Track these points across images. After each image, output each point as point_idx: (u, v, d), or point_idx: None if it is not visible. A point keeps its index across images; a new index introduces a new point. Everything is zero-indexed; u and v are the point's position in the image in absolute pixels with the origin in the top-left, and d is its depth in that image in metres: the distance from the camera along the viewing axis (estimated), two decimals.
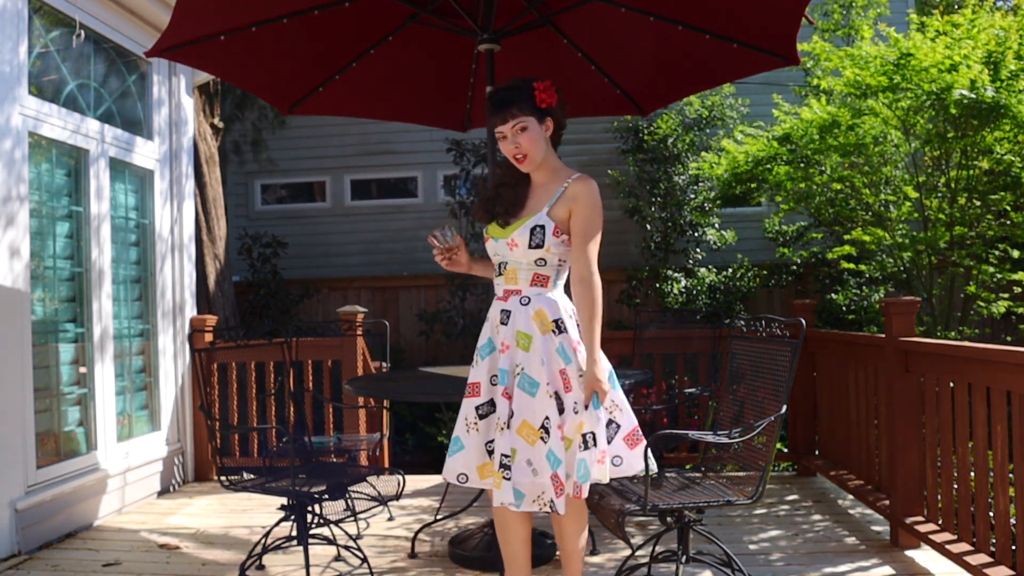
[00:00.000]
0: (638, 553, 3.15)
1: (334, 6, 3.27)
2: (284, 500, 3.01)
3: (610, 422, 2.41)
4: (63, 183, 3.97)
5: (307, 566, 2.95)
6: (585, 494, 2.31)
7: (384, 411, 4.56)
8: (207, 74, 5.04)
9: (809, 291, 8.06)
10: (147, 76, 4.68)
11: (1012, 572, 2.65)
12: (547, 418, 2.30)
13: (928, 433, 3.27)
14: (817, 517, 3.87)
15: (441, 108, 4.26)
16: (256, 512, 4.18)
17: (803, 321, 2.82)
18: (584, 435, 2.30)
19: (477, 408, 2.44)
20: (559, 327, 2.38)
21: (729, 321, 5.64)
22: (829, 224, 6.24)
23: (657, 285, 7.94)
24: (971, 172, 5.12)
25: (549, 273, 2.42)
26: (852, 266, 5.97)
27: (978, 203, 5.16)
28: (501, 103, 2.40)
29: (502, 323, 2.44)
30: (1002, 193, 5.09)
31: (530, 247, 2.38)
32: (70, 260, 3.99)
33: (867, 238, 5.42)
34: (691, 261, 8.17)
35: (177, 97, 4.90)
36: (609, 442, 2.38)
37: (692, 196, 8.06)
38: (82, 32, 3.95)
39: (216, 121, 7.02)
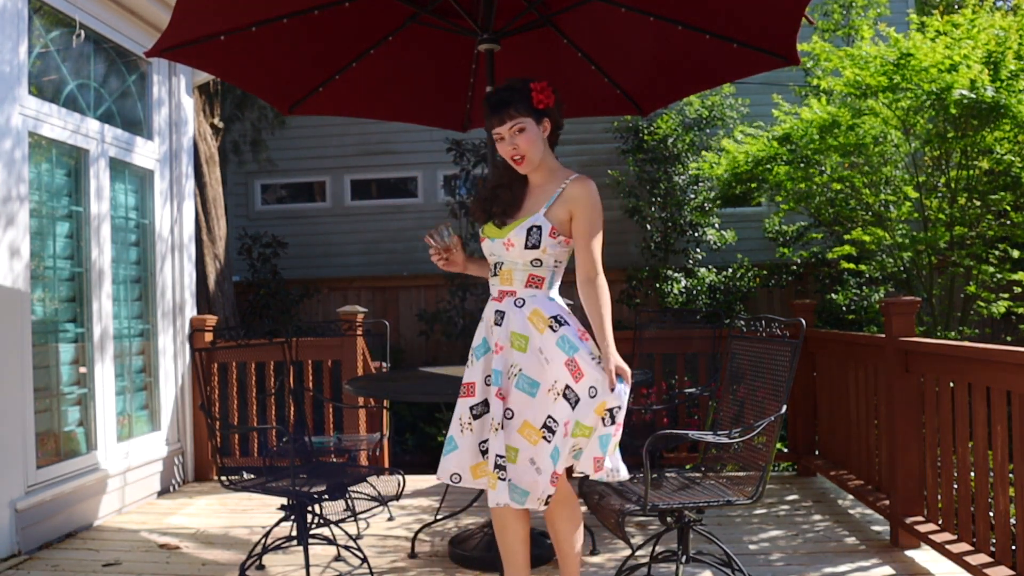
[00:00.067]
0: (638, 553, 3.15)
1: (334, 6, 3.27)
2: (284, 500, 3.01)
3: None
4: (63, 183, 3.97)
5: (307, 566, 2.95)
6: (606, 466, 2.29)
7: (384, 411, 4.56)
8: (207, 74, 5.04)
9: (809, 291, 8.06)
10: (147, 76, 4.68)
11: (1012, 572, 2.65)
12: (550, 417, 2.30)
13: (928, 433, 3.27)
14: (817, 517, 3.87)
15: (441, 108, 4.26)
16: (256, 512, 4.18)
17: (803, 321, 2.82)
18: (609, 410, 2.28)
19: (471, 408, 2.44)
20: (558, 321, 2.37)
21: (729, 321, 5.64)
22: (829, 224, 6.24)
23: (657, 285, 7.94)
24: (971, 172, 5.12)
25: (544, 274, 2.42)
26: (852, 266, 5.97)
27: (978, 203, 5.16)
28: (498, 105, 2.40)
29: (495, 324, 2.44)
30: (1002, 193, 5.09)
31: (526, 247, 2.38)
32: (70, 260, 3.99)
33: (867, 238, 5.42)
34: (691, 261, 8.17)
35: (177, 97, 4.90)
36: None
37: (692, 196, 8.06)
38: (82, 32, 3.95)
39: (216, 121, 7.02)
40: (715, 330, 4.39)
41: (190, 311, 4.97)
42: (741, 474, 3.10)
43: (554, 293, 2.46)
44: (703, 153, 7.40)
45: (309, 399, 5.02)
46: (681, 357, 5.10)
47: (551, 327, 2.37)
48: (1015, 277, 5.07)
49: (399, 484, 3.16)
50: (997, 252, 5.40)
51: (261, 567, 3.28)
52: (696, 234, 8.08)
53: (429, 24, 3.56)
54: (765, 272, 8.08)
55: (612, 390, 2.28)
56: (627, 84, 3.98)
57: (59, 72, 3.94)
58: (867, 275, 6.38)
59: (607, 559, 3.33)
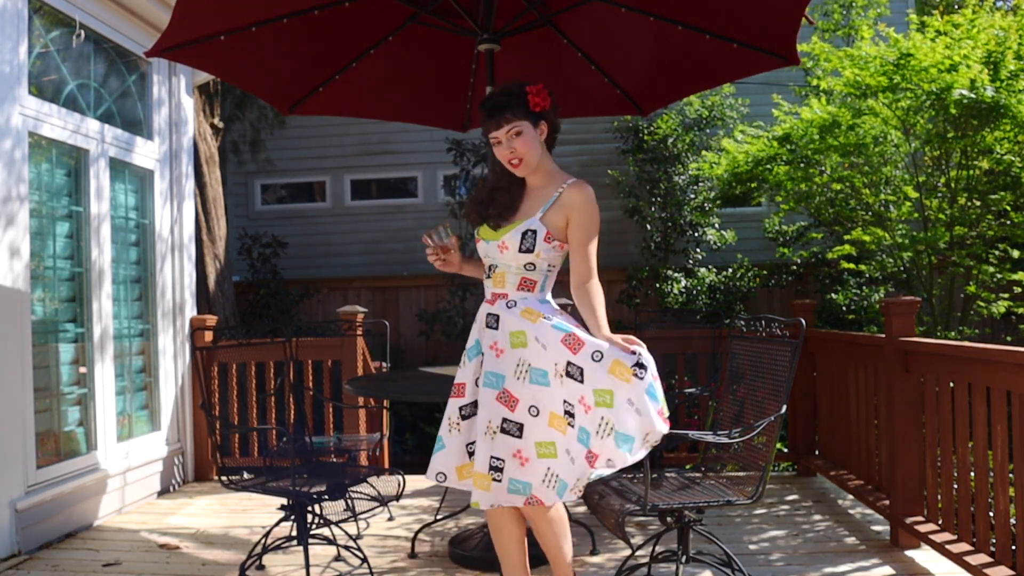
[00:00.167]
0: (638, 553, 3.15)
1: (334, 6, 3.27)
2: (284, 500, 3.01)
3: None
4: (63, 183, 3.97)
5: (307, 566, 2.95)
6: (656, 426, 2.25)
7: (384, 411, 4.56)
8: (207, 74, 5.04)
9: (809, 291, 8.07)
10: (147, 76, 4.68)
11: (1012, 572, 2.65)
12: (565, 402, 2.29)
13: (928, 433, 3.27)
14: (817, 517, 3.87)
15: (441, 108, 4.26)
16: (256, 512, 4.18)
17: (803, 321, 2.82)
18: (632, 366, 2.25)
19: (460, 409, 2.45)
20: (548, 316, 2.39)
21: (729, 321, 5.64)
22: (829, 224, 6.24)
23: (657, 285, 7.94)
24: (971, 172, 5.12)
25: (537, 278, 2.43)
26: (852, 266, 5.97)
27: (978, 203, 5.16)
28: (494, 109, 2.40)
29: (488, 326, 2.44)
30: (1002, 193, 5.09)
31: (520, 251, 2.38)
32: (70, 260, 3.99)
33: (867, 238, 5.42)
34: (691, 261, 8.17)
35: (177, 97, 4.90)
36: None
37: (692, 196, 8.06)
38: (82, 32, 3.95)
39: (216, 121, 7.02)
40: (715, 330, 4.39)
41: (190, 311, 4.96)
42: (741, 474, 3.10)
43: (546, 295, 2.47)
44: (703, 153, 7.40)
45: (309, 399, 5.02)
46: (681, 357, 5.10)
47: (544, 317, 2.38)
48: (1015, 277, 5.07)
49: (399, 484, 3.16)
50: (997, 252, 5.39)
51: (261, 567, 3.28)
52: (696, 234, 8.09)
53: (429, 24, 3.56)
54: (765, 272, 8.08)
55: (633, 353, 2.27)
56: (627, 84, 3.98)
57: (59, 72, 3.94)
58: (867, 275, 6.39)
59: (607, 559, 3.33)
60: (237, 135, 8.78)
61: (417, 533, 3.62)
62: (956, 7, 9.13)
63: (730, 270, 8.05)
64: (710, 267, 8.12)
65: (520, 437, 2.30)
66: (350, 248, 9.37)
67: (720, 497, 2.60)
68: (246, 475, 3.94)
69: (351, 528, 3.72)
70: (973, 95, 4.53)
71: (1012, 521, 2.71)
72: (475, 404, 2.42)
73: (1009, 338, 6.76)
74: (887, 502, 3.50)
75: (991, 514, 2.83)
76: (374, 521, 3.97)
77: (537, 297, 2.43)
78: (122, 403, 4.33)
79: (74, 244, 4.02)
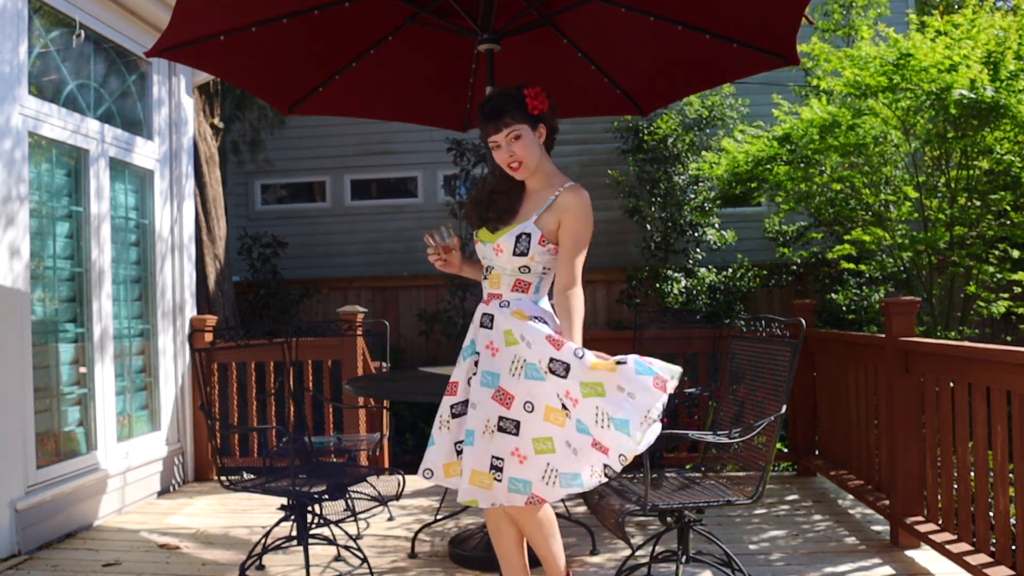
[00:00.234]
0: (638, 553, 3.15)
1: (334, 6, 3.27)
2: (284, 500, 3.01)
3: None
4: (63, 183, 3.97)
5: (307, 566, 2.95)
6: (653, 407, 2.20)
7: (384, 411, 4.56)
8: (207, 74, 5.04)
9: (809, 291, 8.06)
10: (147, 76, 4.68)
11: (1012, 572, 2.65)
12: (557, 396, 2.29)
13: (928, 433, 3.27)
14: (817, 517, 3.87)
15: (441, 108, 4.26)
16: (256, 512, 4.18)
17: (803, 321, 2.82)
18: (617, 362, 2.23)
19: (452, 407, 2.47)
20: (535, 318, 2.39)
21: (729, 321, 5.64)
22: (829, 224, 6.24)
23: (657, 285, 7.94)
24: (971, 172, 5.12)
25: (532, 280, 2.43)
26: (852, 266, 5.97)
27: (978, 203, 5.16)
28: (493, 112, 2.39)
29: (483, 326, 2.45)
30: (1002, 193, 5.09)
31: (514, 254, 2.39)
32: (70, 260, 3.99)
33: (867, 238, 5.42)
34: (691, 261, 8.17)
35: (177, 97, 4.90)
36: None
37: (692, 196, 8.06)
38: (82, 32, 3.95)
39: (216, 121, 7.02)
40: (715, 330, 4.39)
41: (190, 311, 4.96)
42: (741, 474, 3.10)
43: (542, 301, 2.46)
44: (703, 153, 7.40)
45: (309, 399, 5.02)
46: (681, 357, 5.10)
47: (532, 319, 2.38)
48: (1015, 277, 5.07)
49: (399, 484, 3.16)
50: (997, 252, 5.39)
51: (261, 567, 3.28)
52: (696, 234, 8.08)
53: (429, 24, 3.56)
54: (765, 272, 8.08)
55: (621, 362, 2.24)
56: (627, 84, 3.98)
57: (59, 72, 3.94)
58: (867, 275, 6.38)
59: (607, 559, 3.33)
60: (237, 135, 8.78)
61: (417, 533, 3.62)
62: (956, 7, 9.13)
63: (730, 270, 8.04)
64: (710, 267, 8.12)
65: (517, 435, 2.30)
66: (350, 248, 9.37)
67: (720, 497, 2.60)
68: (246, 475, 3.94)
69: (351, 528, 3.72)
70: (973, 95, 4.53)
71: (1012, 521, 2.71)
72: (465, 403, 2.43)
73: (1009, 338, 6.76)
74: (887, 502, 3.51)
75: (991, 514, 2.83)
76: (374, 521, 3.97)
77: (531, 298, 2.44)
78: (122, 403, 4.33)
79: (74, 244, 4.03)
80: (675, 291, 7.75)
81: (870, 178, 5.42)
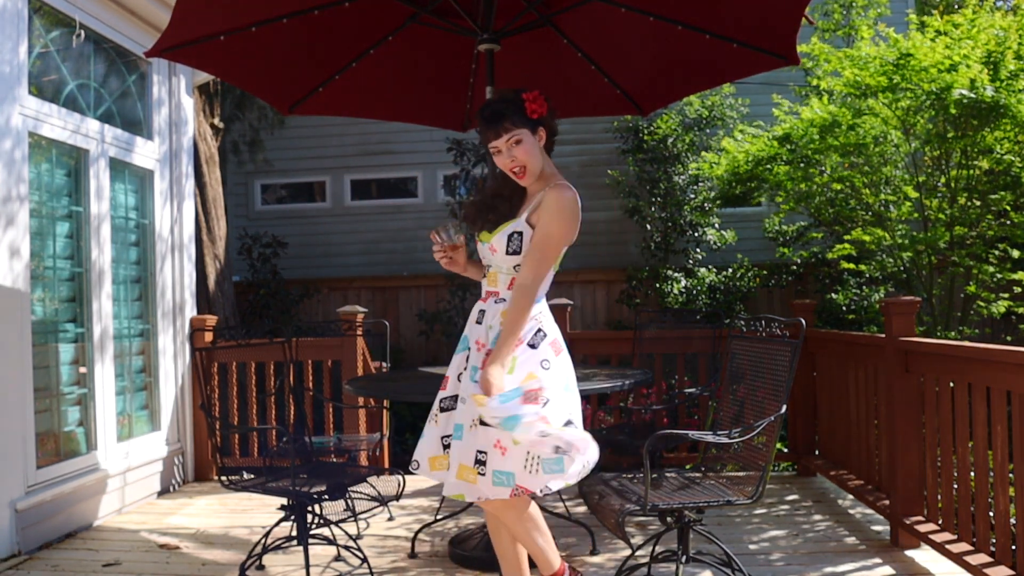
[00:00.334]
0: (638, 553, 3.15)
1: (334, 6, 3.27)
2: (284, 500, 3.01)
3: None
4: (63, 183, 3.97)
5: (307, 566, 2.95)
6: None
7: (384, 411, 4.56)
8: (207, 74, 5.04)
9: (809, 291, 8.06)
10: (147, 76, 4.68)
11: (1012, 572, 2.65)
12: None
13: (928, 433, 3.27)
14: (817, 517, 3.87)
15: (441, 108, 4.26)
16: (256, 512, 4.18)
17: (803, 321, 2.82)
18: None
19: (441, 401, 2.48)
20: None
21: (729, 321, 5.64)
22: (829, 224, 6.24)
23: (657, 285, 7.94)
24: (971, 172, 5.12)
25: None
26: (852, 266, 5.97)
27: (978, 203, 5.16)
28: (493, 118, 2.38)
29: (476, 322, 2.47)
30: (1002, 193, 5.09)
31: (507, 253, 2.39)
32: (70, 260, 3.99)
33: (867, 238, 5.42)
34: (691, 261, 8.17)
35: (177, 97, 4.90)
36: None
37: (692, 196, 8.06)
38: (82, 32, 3.95)
39: (216, 121, 7.02)
40: (715, 330, 4.38)
41: (190, 311, 4.96)
42: (741, 474, 3.10)
43: (538, 298, 2.46)
44: (703, 153, 7.40)
45: (309, 399, 5.02)
46: (681, 357, 5.10)
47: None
48: (1015, 277, 5.07)
49: (399, 484, 3.16)
50: (997, 252, 5.39)
51: (261, 567, 3.28)
52: (696, 234, 8.09)
53: (429, 24, 3.56)
54: (765, 272, 8.08)
55: (485, 393, 2.24)
56: (627, 84, 3.98)
57: (59, 72, 3.94)
58: (867, 275, 6.38)
59: (607, 559, 3.33)
60: (237, 135, 8.78)
61: (417, 533, 3.62)
62: (956, 7, 9.13)
63: (730, 270, 8.05)
64: (710, 267, 8.12)
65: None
66: (350, 248, 9.37)
67: (720, 497, 2.60)
68: (246, 475, 3.94)
69: (351, 528, 3.72)
70: (973, 95, 4.53)
71: (1012, 521, 2.71)
72: (455, 398, 2.45)
73: (1009, 338, 6.76)
74: (887, 502, 3.51)
75: (991, 514, 2.83)
76: (374, 521, 3.97)
77: None
78: (122, 403, 4.33)
79: (74, 244, 4.02)
80: (675, 291, 7.75)
81: (870, 178, 5.42)
